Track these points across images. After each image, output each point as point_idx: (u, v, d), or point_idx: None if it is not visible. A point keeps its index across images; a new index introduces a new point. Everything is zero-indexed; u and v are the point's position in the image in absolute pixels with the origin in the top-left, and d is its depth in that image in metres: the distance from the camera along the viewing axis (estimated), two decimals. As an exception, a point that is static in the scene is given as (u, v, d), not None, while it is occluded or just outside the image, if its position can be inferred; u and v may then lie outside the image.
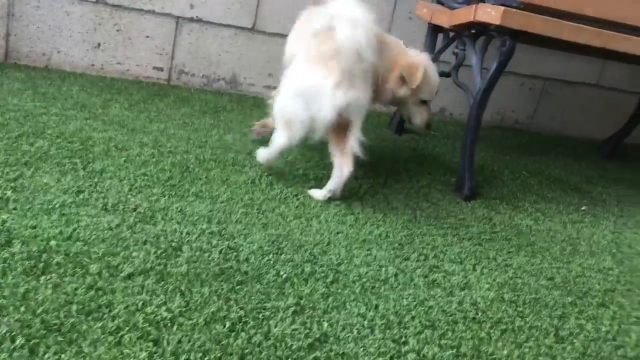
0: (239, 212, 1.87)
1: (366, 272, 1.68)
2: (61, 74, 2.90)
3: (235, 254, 1.62)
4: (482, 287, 1.75)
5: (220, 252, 1.62)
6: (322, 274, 1.63)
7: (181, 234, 1.66)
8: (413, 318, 1.52)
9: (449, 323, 1.53)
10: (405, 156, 2.84)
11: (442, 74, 2.90)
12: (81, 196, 1.73)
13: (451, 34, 2.78)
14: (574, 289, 1.87)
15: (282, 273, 1.58)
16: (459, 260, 1.89)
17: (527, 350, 1.49)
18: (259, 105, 3.14)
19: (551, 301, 1.76)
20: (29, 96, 2.47)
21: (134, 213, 1.71)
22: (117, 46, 3.00)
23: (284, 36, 3.23)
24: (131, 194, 1.82)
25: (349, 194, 2.19)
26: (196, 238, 1.66)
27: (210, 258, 1.57)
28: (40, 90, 2.58)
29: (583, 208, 2.65)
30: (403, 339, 1.42)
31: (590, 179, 3.12)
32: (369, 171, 2.49)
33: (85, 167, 1.92)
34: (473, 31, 2.50)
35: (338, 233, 1.88)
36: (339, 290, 1.57)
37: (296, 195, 2.09)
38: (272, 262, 1.63)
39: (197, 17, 3.07)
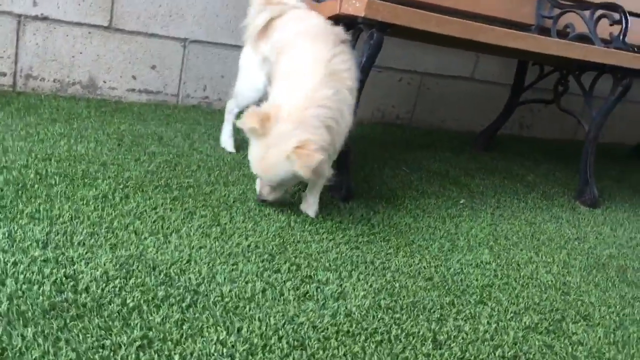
0: (82, 232, 1.63)
1: (230, 291, 1.51)
2: None
3: (72, 283, 1.39)
4: (358, 295, 1.63)
5: (53, 282, 1.38)
6: (178, 298, 1.43)
7: (6, 264, 1.40)
8: (280, 339, 1.36)
9: (320, 340, 1.39)
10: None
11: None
12: None
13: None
14: (452, 287, 1.80)
15: (129, 301, 1.37)
16: (334, 267, 1.77)
17: (403, 361, 1.38)
18: (122, 110, 2.87)
19: (429, 303, 1.67)
20: None
21: (-56, 244, 1.43)
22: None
23: (147, 35, 3.01)
24: (-55, 221, 1.53)
25: (217, 203, 2.01)
26: (25, 268, 1.41)
27: (40, 291, 1.33)
28: None
29: (461, 202, 2.63)
30: (267, 365, 1.27)
31: (468, 171, 3.14)
32: (241, 176, 2.32)
33: None
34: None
35: (200, 248, 1.69)
36: (197, 315, 1.38)
37: (155, 209, 1.87)
38: (117, 289, 1.41)
39: (42, 14, 2.75)
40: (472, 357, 1.46)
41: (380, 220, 2.19)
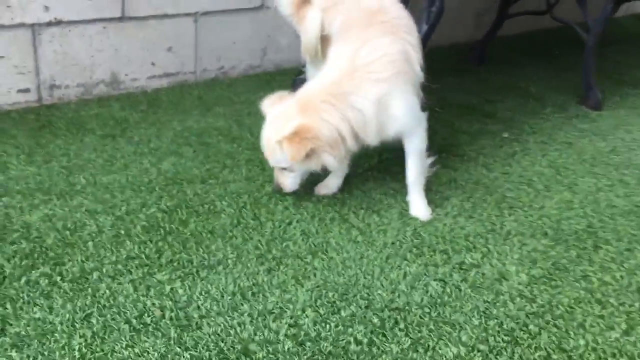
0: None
1: (421, 297, 1.66)
2: None
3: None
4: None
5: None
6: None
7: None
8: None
9: (522, 326, 1.60)
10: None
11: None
12: None
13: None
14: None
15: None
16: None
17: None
18: (155, 103, 2.78)
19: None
20: None
21: None
22: (-34, 78, 2.40)
23: (160, 17, 2.83)
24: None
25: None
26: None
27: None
28: None
29: (505, 135, 2.83)
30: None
31: (484, 97, 3.28)
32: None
33: None
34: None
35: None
36: (418, 331, 1.54)
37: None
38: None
39: (55, 19, 2.53)
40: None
41: (465, 178, 2.36)
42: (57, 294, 1.56)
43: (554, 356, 1.51)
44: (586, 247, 1.99)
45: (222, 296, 1.61)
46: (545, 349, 1.53)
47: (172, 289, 1.62)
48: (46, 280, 1.60)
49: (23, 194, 1.96)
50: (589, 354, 1.52)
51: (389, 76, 1.92)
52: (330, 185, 2.18)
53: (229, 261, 1.75)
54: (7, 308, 1.49)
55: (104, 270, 1.66)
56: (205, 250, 1.79)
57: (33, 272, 1.62)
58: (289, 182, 2.03)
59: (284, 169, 2.00)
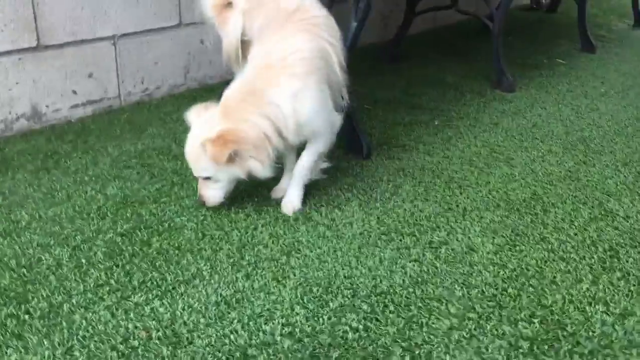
0: (240, 277, 1.66)
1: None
2: None
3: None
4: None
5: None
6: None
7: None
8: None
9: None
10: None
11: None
12: None
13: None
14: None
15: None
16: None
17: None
18: (88, 132, 2.65)
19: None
20: None
21: None
22: None
23: (77, 43, 2.69)
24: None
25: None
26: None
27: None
28: None
29: (436, 123, 2.94)
30: None
31: (407, 90, 3.41)
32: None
33: None
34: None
35: (335, 250, 1.82)
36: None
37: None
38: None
39: (-36, 54, 2.37)
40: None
41: (411, 165, 2.43)
42: (29, 333, 1.44)
43: (538, 312, 1.57)
44: (537, 212, 2.09)
45: (206, 308, 1.55)
46: (528, 307, 1.59)
47: (152, 309, 1.54)
48: (14, 321, 1.47)
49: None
50: (567, 305, 1.60)
51: (302, 72, 1.91)
52: (284, 188, 2.16)
53: (204, 273, 1.70)
54: (-26, 357, 1.37)
55: (74, 302, 1.56)
56: (177, 267, 1.72)
57: (-4, 314, 1.49)
58: (213, 194, 1.97)
59: (208, 178, 1.95)
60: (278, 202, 2.09)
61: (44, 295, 1.58)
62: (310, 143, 2.03)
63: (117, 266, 1.71)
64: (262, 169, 1.90)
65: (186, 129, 2.64)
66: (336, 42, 2.08)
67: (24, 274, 1.66)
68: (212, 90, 3.23)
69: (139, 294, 1.60)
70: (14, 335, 1.43)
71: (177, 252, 1.80)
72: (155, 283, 1.65)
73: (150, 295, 1.60)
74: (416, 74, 3.76)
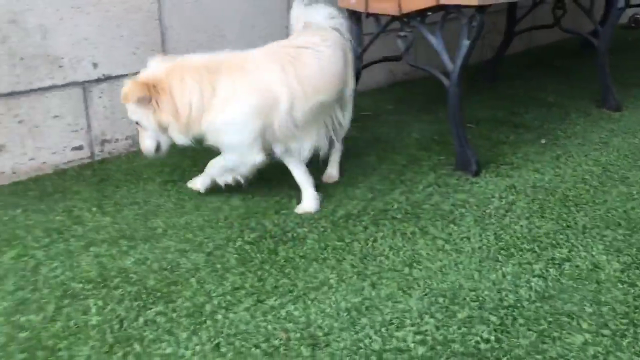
0: (368, 286, 1.72)
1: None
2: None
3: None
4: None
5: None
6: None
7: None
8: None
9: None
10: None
11: (391, 59, 2.91)
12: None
13: (383, 19, 2.74)
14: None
15: None
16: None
17: None
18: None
19: None
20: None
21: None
22: (24, 139, 2.42)
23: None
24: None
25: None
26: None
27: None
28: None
29: (542, 141, 2.91)
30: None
31: (512, 110, 3.40)
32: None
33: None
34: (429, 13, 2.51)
35: (457, 263, 1.84)
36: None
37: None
38: None
39: (103, 75, 2.58)
40: None
41: (521, 183, 2.42)
42: (178, 329, 1.55)
43: (676, 332, 1.54)
44: (661, 232, 2.04)
45: (338, 313, 1.62)
46: (664, 326, 1.56)
47: (287, 312, 1.62)
48: (164, 318, 1.60)
49: (108, 242, 1.97)
50: None
51: (249, 91, 2.04)
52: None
53: (331, 281, 1.77)
54: (135, 347, 1.49)
55: (215, 303, 1.66)
56: (305, 274, 1.80)
57: (148, 311, 1.62)
58: (147, 143, 2.10)
59: (137, 123, 2.09)
60: (394, 217, 2.15)
61: (187, 296, 1.69)
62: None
63: (250, 272, 1.81)
64: (174, 129, 2.03)
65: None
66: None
67: (167, 276, 1.79)
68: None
69: (274, 298, 1.69)
70: (166, 330, 1.55)
71: (303, 260, 1.88)
72: (287, 288, 1.73)
73: (284, 299, 1.68)
74: (517, 93, 3.73)
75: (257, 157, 2.12)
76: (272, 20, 3.15)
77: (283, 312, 1.62)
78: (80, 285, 1.74)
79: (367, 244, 1.97)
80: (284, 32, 3.21)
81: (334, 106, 2.28)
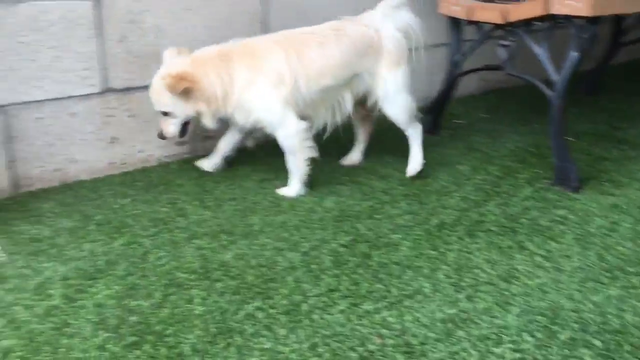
0: (463, 298, 1.70)
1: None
2: (81, 186, 2.43)
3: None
4: None
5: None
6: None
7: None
8: None
9: None
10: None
11: (492, 68, 2.86)
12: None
13: (485, 27, 2.70)
14: None
15: None
16: None
17: None
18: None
19: None
20: (93, 232, 2.05)
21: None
22: (134, 133, 2.56)
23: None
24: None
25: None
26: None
27: None
28: (95, 218, 2.16)
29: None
30: None
31: (614, 125, 3.24)
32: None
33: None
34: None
35: (557, 282, 1.79)
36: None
37: (473, 252, 1.95)
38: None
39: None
40: None
41: (626, 202, 2.31)
42: (276, 326, 1.60)
43: None
44: None
45: (433, 323, 1.61)
46: None
47: (382, 318, 1.64)
48: (262, 314, 1.65)
49: (210, 236, 2.05)
50: None
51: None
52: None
53: (426, 290, 1.77)
54: (236, 339, 1.55)
55: (311, 303, 1.70)
56: (399, 281, 1.81)
57: (247, 306, 1.68)
58: (171, 128, 2.31)
59: (167, 114, 2.27)
60: (490, 229, 2.11)
61: (284, 294, 1.74)
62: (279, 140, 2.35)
63: (344, 274, 1.84)
64: (208, 116, 2.28)
65: (389, 151, 2.81)
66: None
67: (265, 273, 1.85)
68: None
69: (368, 303, 1.70)
70: (264, 326, 1.60)
71: (396, 267, 1.89)
72: (381, 294, 1.75)
73: (378, 305, 1.70)
74: (619, 107, 3.56)
75: (298, 124, 2.31)
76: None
77: (378, 318, 1.64)
78: (185, 275, 1.82)
79: (462, 255, 1.95)
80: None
81: (342, 91, 2.42)
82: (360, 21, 2.46)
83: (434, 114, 3.05)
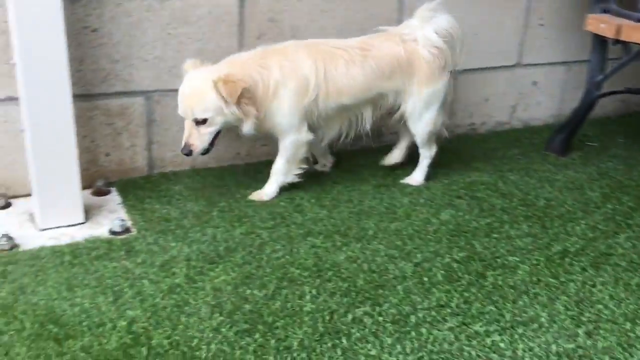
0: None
1: None
2: (209, 172, 2.57)
3: None
4: None
5: None
6: None
7: None
8: None
9: None
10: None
11: (635, 91, 2.69)
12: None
13: (634, 48, 2.53)
14: None
15: None
16: None
17: None
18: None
19: None
20: (216, 219, 2.16)
21: None
22: (261, 127, 2.67)
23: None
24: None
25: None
26: None
27: None
28: (219, 204, 2.27)
29: None
30: None
31: None
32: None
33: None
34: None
35: None
36: None
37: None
38: None
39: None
40: None
41: None
42: (383, 334, 1.61)
43: None
44: None
45: (548, 356, 1.55)
46: None
47: (492, 341, 1.59)
48: (370, 319, 1.66)
49: (324, 235, 2.09)
50: None
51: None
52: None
53: (542, 320, 1.69)
54: (342, 341, 1.57)
55: (420, 316, 1.69)
56: (513, 306, 1.75)
57: (356, 309, 1.70)
58: (201, 139, 2.16)
59: (203, 122, 2.14)
60: (618, 264, 1.98)
61: (393, 303, 1.74)
62: (280, 142, 2.35)
63: (456, 291, 1.81)
64: (251, 118, 2.17)
65: (512, 169, 2.71)
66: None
67: (375, 279, 1.85)
68: (534, 131, 3.21)
69: (479, 324, 1.66)
70: (371, 332, 1.61)
71: (512, 291, 1.82)
72: (493, 317, 1.69)
73: (489, 327, 1.65)
74: None
75: (307, 135, 2.31)
76: (503, 36, 3.07)
77: (488, 341, 1.59)
78: (298, 271, 1.87)
79: (585, 288, 1.85)
80: (515, 48, 3.12)
81: (362, 108, 2.39)
82: (396, 34, 2.39)
83: (566, 133, 2.90)
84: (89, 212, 2.19)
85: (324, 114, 2.32)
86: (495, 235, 2.15)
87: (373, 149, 2.80)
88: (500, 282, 1.86)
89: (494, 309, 1.73)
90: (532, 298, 1.79)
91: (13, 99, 2.16)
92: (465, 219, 2.26)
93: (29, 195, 2.22)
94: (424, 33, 2.36)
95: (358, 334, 1.60)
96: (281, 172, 2.38)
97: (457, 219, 2.26)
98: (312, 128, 2.35)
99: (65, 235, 2.06)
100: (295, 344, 1.55)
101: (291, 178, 2.40)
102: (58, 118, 2.00)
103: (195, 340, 1.56)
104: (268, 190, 2.38)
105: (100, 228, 2.12)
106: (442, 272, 1.90)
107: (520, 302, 1.77)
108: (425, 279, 1.86)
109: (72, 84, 2.00)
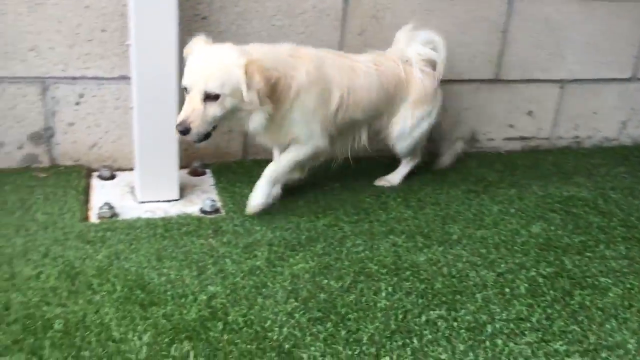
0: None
1: None
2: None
3: None
4: None
5: None
6: None
7: None
8: None
9: None
10: None
11: None
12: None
13: None
14: None
15: None
16: None
17: None
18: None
19: None
20: (301, 208, 2.20)
21: None
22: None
23: (526, 82, 2.88)
24: None
25: None
26: None
27: None
28: (306, 195, 2.30)
29: None
30: None
31: None
32: None
33: None
34: None
35: None
36: None
37: None
38: None
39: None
40: None
41: None
42: (456, 339, 1.58)
43: None
44: None
45: (634, 385, 1.45)
46: None
47: (572, 362, 1.52)
48: (444, 323, 1.63)
49: (406, 235, 2.08)
50: None
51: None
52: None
53: (629, 346, 1.59)
54: (413, 342, 1.56)
55: (497, 326, 1.64)
56: (599, 328, 1.66)
57: (430, 312, 1.68)
58: (206, 119, 1.88)
59: (213, 99, 1.87)
60: None
61: (470, 310, 1.70)
62: (291, 146, 2.15)
63: (539, 306, 1.74)
64: (263, 117, 1.96)
65: (615, 187, 2.56)
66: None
67: (454, 284, 1.82)
68: (644, 151, 3.02)
69: (560, 342, 1.59)
70: (444, 336, 1.59)
71: (600, 313, 1.73)
72: (576, 337, 1.61)
73: (571, 347, 1.57)
74: None
75: (326, 144, 2.18)
76: (618, 47, 2.90)
77: (568, 361, 1.52)
78: (376, 267, 1.87)
79: (681, 320, 1.71)
80: (629, 60, 2.95)
81: (361, 127, 2.31)
82: (390, 57, 2.34)
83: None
84: (183, 190, 2.31)
85: (334, 129, 2.20)
86: (588, 254, 2.04)
87: (466, 154, 2.75)
88: (587, 303, 1.77)
89: (577, 329, 1.65)
90: (621, 323, 1.69)
91: (125, 78, 2.31)
92: (557, 234, 2.16)
93: (132, 169, 2.38)
94: (414, 49, 2.35)
95: (430, 337, 1.58)
96: (276, 173, 2.17)
97: (548, 232, 2.16)
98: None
99: (160, 209, 2.18)
100: (365, 337, 1.56)
101: (277, 188, 2.21)
102: (164, 99, 2.11)
103: (269, 322, 1.60)
104: (259, 195, 2.16)
105: (193, 206, 2.22)
106: (526, 285, 1.83)
107: (608, 326, 1.67)
108: (507, 290, 1.80)
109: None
